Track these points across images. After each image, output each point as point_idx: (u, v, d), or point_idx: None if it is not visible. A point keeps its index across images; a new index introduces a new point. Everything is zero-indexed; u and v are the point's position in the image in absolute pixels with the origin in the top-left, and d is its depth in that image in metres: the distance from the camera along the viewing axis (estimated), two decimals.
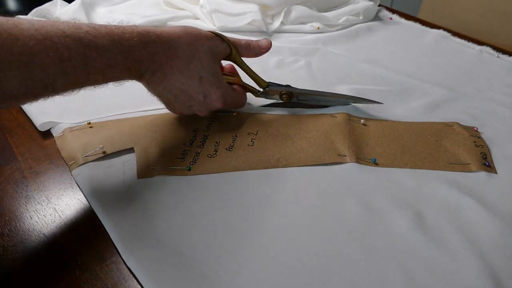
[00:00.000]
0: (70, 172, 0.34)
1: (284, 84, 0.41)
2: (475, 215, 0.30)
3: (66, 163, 0.35)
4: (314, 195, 0.32)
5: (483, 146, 0.37)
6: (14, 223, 0.30)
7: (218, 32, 0.36)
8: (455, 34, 0.61)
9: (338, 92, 0.43)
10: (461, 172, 0.34)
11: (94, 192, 0.31)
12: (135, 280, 0.26)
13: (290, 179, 0.33)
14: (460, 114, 0.42)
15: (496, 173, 0.34)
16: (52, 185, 0.33)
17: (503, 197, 0.32)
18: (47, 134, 0.39)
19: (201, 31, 0.35)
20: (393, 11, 0.69)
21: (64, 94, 0.28)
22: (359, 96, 0.41)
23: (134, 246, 0.27)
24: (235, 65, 0.39)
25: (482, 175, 0.34)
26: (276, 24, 0.60)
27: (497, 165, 0.35)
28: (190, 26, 0.35)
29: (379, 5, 0.68)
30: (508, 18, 0.77)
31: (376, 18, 0.66)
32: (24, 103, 0.27)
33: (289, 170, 0.34)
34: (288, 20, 0.61)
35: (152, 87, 0.34)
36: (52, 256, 0.28)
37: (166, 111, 0.40)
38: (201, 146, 0.36)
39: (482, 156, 0.36)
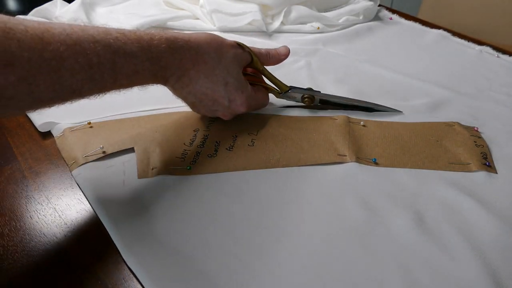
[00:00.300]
0: (70, 172, 0.34)
1: (306, 87, 0.41)
2: (475, 215, 0.30)
3: (66, 163, 0.35)
4: (314, 195, 0.32)
5: (483, 146, 0.37)
6: (14, 223, 0.30)
7: (239, 42, 0.37)
8: (455, 34, 0.61)
9: (360, 99, 0.42)
10: (461, 172, 0.34)
11: (95, 192, 0.31)
12: (135, 280, 0.26)
13: (290, 179, 0.33)
14: (460, 114, 0.42)
15: (496, 173, 0.34)
16: (52, 185, 0.33)
17: (503, 197, 0.32)
18: (47, 134, 0.39)
19: (225, 39, 0.35)
20: (393, 11, 0.69)
21: (90, 98, 0.28)
22: (380, 104, 0.42)
23: (134, 246, 0.27)
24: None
25: (482, 175, 0.34)
26: (276, 24, 0.60)
27: (497, 165, 0.35)
28: (215, 34, 0.35)
29: (379, 5, 0.68)
30: (508, 18, 0.77)
31: (376, 18, 0.66)
32: (49, 107, 0.27)
33: (289, 170, 0.34)
34: (288, 20, 0.61)
35: (177, 91, 0.34)
36: (52, 256, 0.28)
37: (166, 111, 0.40)
38: (202, 146, 0.36)
39: (482, 156, 0.36)
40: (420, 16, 0.74)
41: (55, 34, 0.24)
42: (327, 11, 0.65)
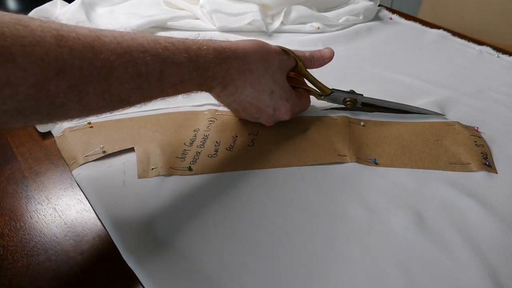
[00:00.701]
0: (71, 172, 0.34)
1: (348, 90, 0.41)
2: (475, 215, 0.30)
3: (66, 163, 0.35)
4: (314, 194, 0.32)
5: (483, 145, 0.37)
6: (14, 223, 0.30)
7: (284, 47, 0.37)
8: (455, 34, 0.61)
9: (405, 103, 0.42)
10: (462, 172, 0.34)
11: (95, 192, 0.31)
12: (135, 280, 0.26)
13: (291, 179, 0.33)
14: (461, 114, 0.42)
15: (497, 173, 0.34)
16: (52, 185, 0.33)
17: (503, 197, 0.32)
18: (47, 134, 0.39)
19: (271, 46, 0.35)
20: (393, 11, 0.69)
21: (136, 107, 0.28)
22: (423, 108, 0.41)
23: (134, 246, 0.27)
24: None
25: (483, 175, 0.34)
26: (276, 24, 0.60)
27: (497, 165, 0.35)
28: (261, 40, 0.35)
29: (379, 5, 0.68)
30: (508, 18, 0.77)
31: (376, 18, 0.66)
32: (97, 116, 0.27)
33: (289, 170, 0.34)
34: (288, 20, 0.61)
35: (221, 99, 0.35)
36: (52, 256, 0.28)
37: (166, 111, 0.40)
38: (202, 146, 0.36)
39: (482, 156, 0.36)
40: (420, 16, 0.74)
41: (106, 43, 0.24)
42: (327, 11, 0.65)
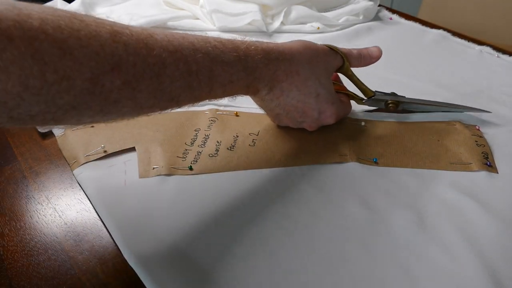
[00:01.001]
0: (72, 171, 0.34)
1: (389, 92, 0.40)
2: (476, 215, 0.30)
3: (67, 163, 0.35)
4: (315, 194, 0.31)
5: (484, 145, 0.37)
6: (14, 223, 0.30)
7: (332, 45, 0.36)
8: (455, 34, 0.61)
9: (447, 102, 0.41)
10: (463, 171, 0.34)
11: (96, 192, 0.31)
12: (136, 281, 0.26)
13: (291, 179, 0.33)
14: (461, 114, 0.42)
15: (498, 173, 0.34)
16: (52, 185, 0.33)
17: (504, 197, 0.32)
18: (47, 134, 0.39)
19: (318, 46, 0.34)
20: (393, 11, 0.69)
21: (184, 107, 0.28)
22: (469, 106, 0.41)
23: (135, 245, 0.27)
24: (339, 74, 0.39)
25: (483, 175, 0.34)
26: (276, 24, 0.60)
27: (498, 165, 0.35)
28: (308, 41, 0.34)
29: (379, 5, 0.68)
30: (508, 18, 0.77)
31: (376, 18, 0.66)
32: (147, 115, 0.27)
33: (290, 169, 0.34)
34: (288, 20, 0.61)
35: (265, 103, 0.34)
36: (52, 256, 0.27)
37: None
38: (203, 146, 0.36)
39: (483, 156, 0.36)
40: (420, 16, 0.74)
41: (158, 40, 0.24)
42: (327, 11, 0.65)
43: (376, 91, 0.39)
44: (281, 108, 0.34)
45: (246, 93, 0.32)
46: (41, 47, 0.18)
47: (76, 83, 0.20)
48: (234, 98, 0.32)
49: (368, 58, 0.38)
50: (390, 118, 0.41)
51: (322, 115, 0.35)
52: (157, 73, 0.24)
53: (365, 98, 0.40)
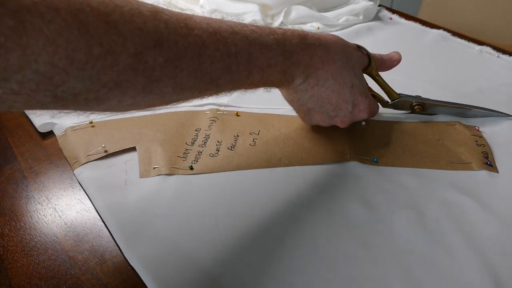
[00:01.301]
0: (72, 171, 0.34)
1: (415, 94, 0.39)
2: (476, 214, 0.30)
3: (68, 162, 0.35)
4: (315, 194, 0.31)
5: (484, 145, 0.37)
6: (14, 223, 0.30)
7: (359, 44, 0.36)
8: (455, 34, 0.61)
9: (473, 104, 0.41)
10: (463, 171, 0.34)
11: (96, 191, 0.31)
12: (136, 281, 0.26)
13: (292, 178, 0.33)
14: (461, 114, 0.42)
15: (498, 172, 0.34)
16: (52, 185, 0.33)
17: (505, 196, 0.32)
18: (47, 134, 0.39)
19: (348, 42, 0.35)
20: (393, 11, 0.69)
21: (222, 93, 0.28)
22: (494, 109, 0.40)
23: (136, 245, 0.27)
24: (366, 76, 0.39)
25: (484, 174, 0.34)
26: (276, 24, 0.60)
27: (498, 164, 0.35)
28: (338, 36, 0.34)
29: (379, 5, 0.68)
30: (508, 18, 0.77)
31: (376, 18, 0.66)
32: (186, 100, 0.26)
33: (291, 169, 0.34)
34: (288, 20, 0.61)
35: (299, 95, 0.33)
36: (52, 256, 0.27)
37: (168, 110, 0.40)
38: (203, 146, 0.36)
39: (483, 156, 0.36)
40: (420, 16, 0.74)
41: (197, 22, 0.24)
42: (327, 11, 0.65)
43: (401, 93, 0.39)
44: (314, 100, 0.33)
45: (281, 83, 0.31)
46: (86, 19, 0.18)
47: (120, 58, 0.20)
48: (268, 90, 0.31)
49: (389, 61, 0.38)
50: (390, 119, 0.41)
51: (356, 108, 0.34)
52: (198, 52, 0.24)
53: (390, 101, 0.39)
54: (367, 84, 0.37)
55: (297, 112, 0.36)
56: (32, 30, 0.16)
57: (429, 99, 0.40)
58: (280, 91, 0.34)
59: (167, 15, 0.22)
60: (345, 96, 0.33)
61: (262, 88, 0.31)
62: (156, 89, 0.23)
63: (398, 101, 0.39)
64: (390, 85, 0.39)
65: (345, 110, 0.34)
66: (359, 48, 0.36)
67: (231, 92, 0.29)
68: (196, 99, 0.27)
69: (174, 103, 0.26)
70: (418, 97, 0.40)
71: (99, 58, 0.19)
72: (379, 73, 0.38)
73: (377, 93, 0.39)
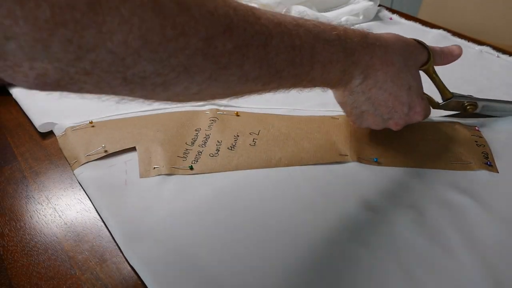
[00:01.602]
0: (72, 171, 0.34)
1: (467, 94, 0.38)
2: (476, 214, 0.30)
3: (68, 162, 0.35)
4: (316, 194, 0.31)
5: (484, 145, 0.37)
6: (14, 223, 0.30)
7: (419, 39, 0.34)
8: (455, 34, 0.61)
9: None
10: (463, 171, 0.34)
11: (96, 191, 0.31)
12: (135, 281, 0.26)
13: (292, 178, 0.33)
14: (461, 114, 0.42)
15: (498, 172, 0.34)
16: (52, 185, 0.33)
17: (505, 196, 0.32)
18: (47, 134, 0.39)
19: (408, 38, 0.33)
20: (393, 11, 0.69)
21: (284, 88, 0.28)
22: None
23: (136, 245, 0.27)
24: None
25: (484, 174, 0.34)
26: None
27: (498, 164, 0.35)
28: (397, 34, 0.33)
29: (379, 5, 0.68)
30: (508, 18, 0.77)
31: (376, 18, 0.66)
32: (249, 92, 0.26)
33: (291, 169, 0.34)
34: None
35: (355, 97, 0.32)
36: (52, 256, 0.27)
37: (168, 110, 0.40)
38: (203, 146, 0.36)
39: (483, 156, 0.36)
40: (420, 16, 0.74)
41: (262, 12, 0.24)
42: (327, 11, 0.65)
43: (454, 93, 0.37)
44: (370, 103, 0.32)
45: (338, 83, 0.31)
46: (161, 0, 0.18)
47: (192, 41, 0.19)
48: (324, 90, 0.31)
49: (449, 55, 0.36)
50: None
51: (412, 110, 0.33)
52: (264, 42, 0.23)
53: (441, 101, 0.38)
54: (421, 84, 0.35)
55: (348, 115, 0.35)
56: (108, 7, 0.16)
57: (481, 98, 0.38)
58: (334, 93, 0.34)
59: (235, 3, 0.22)
60: (402, 99, 0.32)
61: (320, 87, 0.30)
62: (223, 77, 0.22)
63: (450, 101, 0.37)
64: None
65: (400, 113, 0.33)
66: (419, 43, 0.34)
67: (291, 89, 0.28)
68: (256, 93, 0.27)
69: (236, 96, 0.26)
70: (470, 96, 0.38)
71: (171, 40, 0.18)
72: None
73: (428, 95, 0.37)
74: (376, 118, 0.34)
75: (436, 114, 0.42)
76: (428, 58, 0.35)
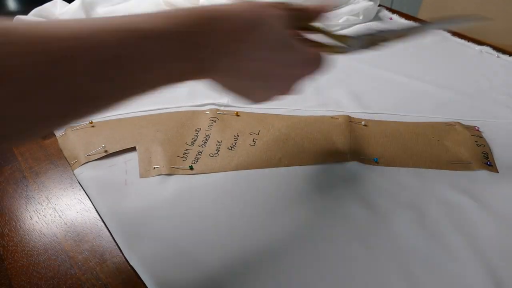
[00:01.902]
0: (72, 171, 0.34)
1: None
2: (476, 214, 0.30)
3: (68, 162, 0.35)
4: (316, 194, 0.31)
5: (484, 145, 0.37)
6: (14, 223, 0.30)
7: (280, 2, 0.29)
8: (455, 34, 0.61)
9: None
10: (463, 171, 0.34)
11: (97, 191, 0.31)
12: (135, 281, 0.26)
13: (292, 178, 0.33)
14: (461, 114, 0.42)
15: (498, 172, 0.34)
16: (52, 185, 0.33)
17: (504, 196, 0.32)
18: (47, 134, 0.39)
19: (259, 5, 0.28)
20: (393, 11, 0.69)
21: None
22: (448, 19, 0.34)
23: (136, 245, 0.27)
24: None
25: (484, 174, 0.34)
26: None
27: (498, 164, 0.35)
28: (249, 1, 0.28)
29: (379, 5, 0.68)
30: (508, 18, 0.77)
31: (376, 18, 0.66)
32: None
33: (291, 169, 0.34)
34: None
35: (223, 80, 0.28)
36: (52, 256, 0.27)
37: (168, 110, 0.40)
38: (203, 146, 0.36)
39: (483, 156, 0.36)
40: (420, 16, 0.74)
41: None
42: None
43: (348, 36, 0.32)
44: (242, 78, 0.28)
45: (193, 74, 0.26)
46: None
47: None
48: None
49: (315, 11, 0.31)
50: (391, 118, 0.41)
51: (289, 69, 0.29)
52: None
53: (343, 45, 0.32)
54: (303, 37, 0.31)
55: (238, 97, 0.30)
56: None
57: (384, 31, 0.32)
58: (209, 81, 0.28)
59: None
60: (270, 61, 0.28)
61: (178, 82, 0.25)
62: None
63: (353, 39, 0.32)
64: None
65: (277, 75, 0.29)
66: (274, 7, 0.28)
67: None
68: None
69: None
70: (370, 32, 0.32)
71: None
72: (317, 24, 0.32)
73: (328, 44, 0.32)
74: (262, 90, 0.30)
75: (436, 115, 0.42)
76: (290, 19, 0.29)
